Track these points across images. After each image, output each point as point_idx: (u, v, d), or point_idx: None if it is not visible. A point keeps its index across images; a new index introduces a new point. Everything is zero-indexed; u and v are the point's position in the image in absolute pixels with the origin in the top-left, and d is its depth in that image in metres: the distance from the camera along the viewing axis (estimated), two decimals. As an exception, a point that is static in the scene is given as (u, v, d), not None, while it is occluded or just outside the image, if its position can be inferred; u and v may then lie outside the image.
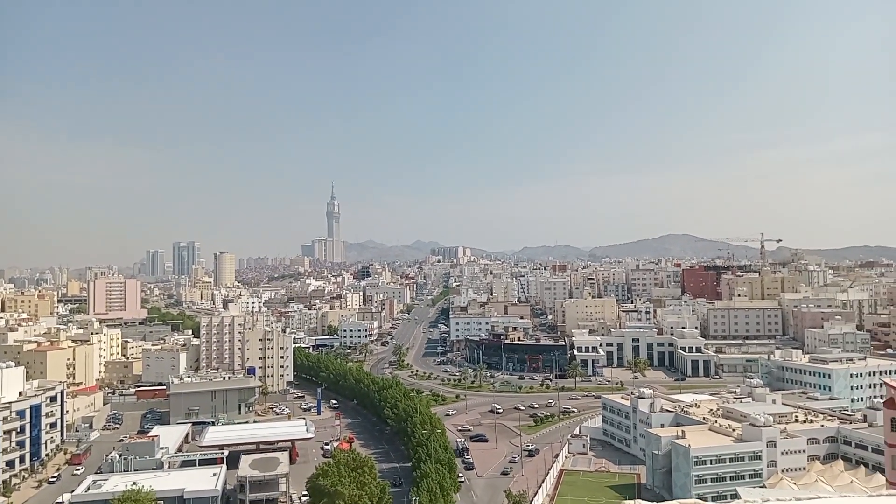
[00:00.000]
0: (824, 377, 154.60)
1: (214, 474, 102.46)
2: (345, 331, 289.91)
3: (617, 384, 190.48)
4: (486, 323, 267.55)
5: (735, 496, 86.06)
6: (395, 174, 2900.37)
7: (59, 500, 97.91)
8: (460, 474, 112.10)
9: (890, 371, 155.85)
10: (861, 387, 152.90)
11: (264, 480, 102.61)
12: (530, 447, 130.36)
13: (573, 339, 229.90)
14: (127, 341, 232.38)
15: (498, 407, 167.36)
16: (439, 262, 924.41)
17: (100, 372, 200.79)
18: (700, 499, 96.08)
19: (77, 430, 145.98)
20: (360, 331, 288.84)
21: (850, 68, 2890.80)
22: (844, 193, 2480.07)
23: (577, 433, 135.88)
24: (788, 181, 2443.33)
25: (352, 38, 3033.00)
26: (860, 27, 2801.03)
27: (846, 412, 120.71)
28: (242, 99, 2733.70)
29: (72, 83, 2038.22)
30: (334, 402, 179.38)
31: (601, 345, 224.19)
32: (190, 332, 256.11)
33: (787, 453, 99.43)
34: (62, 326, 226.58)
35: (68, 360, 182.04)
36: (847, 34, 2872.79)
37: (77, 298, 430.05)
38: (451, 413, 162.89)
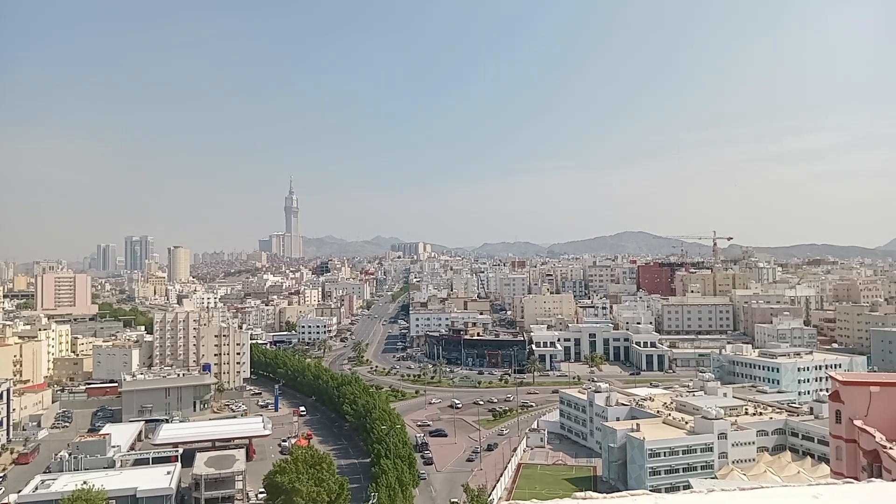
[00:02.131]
0: (773, 371, 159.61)
1: (168, 472, 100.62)
2: (303, 327, 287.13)
3: (574, 378, 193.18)
4: (446, 318, 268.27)
5: (687, 487, 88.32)
6: (355, 169, 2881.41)
7: (6, 500, 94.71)
8: (420, 469, 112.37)
9: (835, 365, 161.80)
10: (808, 380, 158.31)
11: (220, 478, 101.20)
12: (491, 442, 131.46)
13: (532, 334, 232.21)
14: (77, 338, 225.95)
15: (457, 402, 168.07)
16: (399, 257, 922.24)
17: (48, 369, 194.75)
18: (653, 490, 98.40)
19: (24, 429, 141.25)
20: (318, 327, 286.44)
21: (799, 69, 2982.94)
22: (793, 192, 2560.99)
23: (535, 427, 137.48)
24: (739, 180, 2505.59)
25: (313, 30, 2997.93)
26: (810, 30, 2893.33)
27: (794, 405, 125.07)
28: (198, 89, 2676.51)
29: (16, 70, 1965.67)
30: (302, 407, 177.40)
31: (559, 340, 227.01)
32: (143, 328, 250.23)
33: (737, 445, 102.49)
34: (8, 322, 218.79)
35: (14, 356, 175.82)
36: (798, 37, 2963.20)
37: (24, 293, 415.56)
38: (410, 410, 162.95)
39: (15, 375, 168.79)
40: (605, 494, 4.23)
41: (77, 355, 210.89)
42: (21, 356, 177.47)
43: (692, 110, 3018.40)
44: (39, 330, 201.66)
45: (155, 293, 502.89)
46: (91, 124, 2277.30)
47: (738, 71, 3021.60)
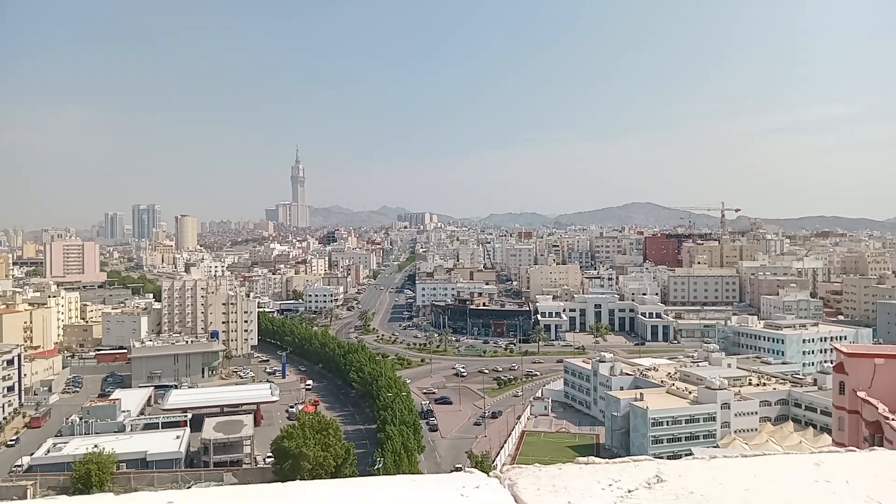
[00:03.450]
0: (778, 342, 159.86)
1: (178, 437, 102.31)
2: (310, 296, 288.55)
3: (579, 348, 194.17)
4: (452, 288, 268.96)
5: (690, 456, 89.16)
6: (362, 139, 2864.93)
7: (19, 462, 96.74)
8: (424, 436, 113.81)
9: (840, 337, 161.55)
10: (812, 352, 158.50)
11: (229, 442, 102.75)
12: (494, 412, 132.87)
13: (537, 304, 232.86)
14: (86, 305, 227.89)
15: (462, 370, 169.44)
16: (406, 227, 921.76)
17: (58, 335, 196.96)
18: (655, 458, 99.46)
19: (36, 394, 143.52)
20: (325, 296, 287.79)
21: (814, 40, 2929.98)
22: (803, 164, 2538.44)
23: (540, 396, 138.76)
24: (749, 151, 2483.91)
25: (318, 1, 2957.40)
26: (823, 0, 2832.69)
27: (797, 376, 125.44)
28: (205, 59, 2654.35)
29: (21, 40, 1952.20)
30: (310, 381, 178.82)
31: (564, 310, 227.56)
32: (151, 296, 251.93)
33: (740, 415, 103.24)
34: (18, 289, 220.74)
35: (25, 323, 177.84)
36: (812, 6, 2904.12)
37: (33, 261, 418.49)
38: (415, 378, 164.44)
39: (25, 341, 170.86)
40: (607, 460, 4.26)
41: (86, 322, 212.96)
42: (31, 323, 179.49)
43: (703, 80, 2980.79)
44: (49, 297, 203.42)
45: (163, 261, 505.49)
46: (100, 92, 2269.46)
47: (752, 40, 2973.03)
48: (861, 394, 27.90)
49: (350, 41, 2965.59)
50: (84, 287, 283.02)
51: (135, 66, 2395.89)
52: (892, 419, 24.63)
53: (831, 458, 4.39)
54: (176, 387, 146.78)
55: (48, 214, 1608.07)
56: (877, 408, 25.74)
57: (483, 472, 4.13)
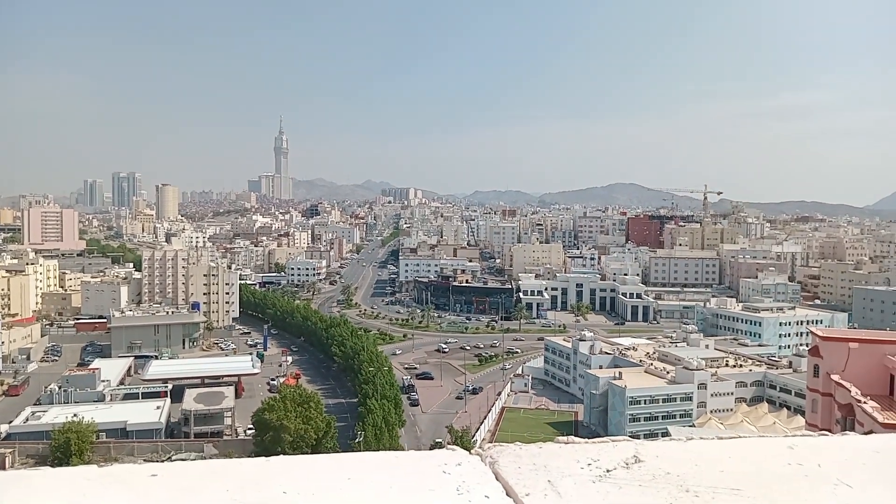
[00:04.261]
0: (755, 325, 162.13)
1: (158, 407, 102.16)
2: (292, 269, 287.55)
3: (560, 327, 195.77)
4: (436, 265, 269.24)
5: (666, 434, 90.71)
6: (347, 111, 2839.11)
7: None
8: (405, 410, 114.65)
9: (816, 321, 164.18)
10: (789, 335, 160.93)
11: (209, 414, 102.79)
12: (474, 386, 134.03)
13: (520, 282, 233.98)
14: (65, 273, 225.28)
15: (444, 346, 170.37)
16: (390, 202, 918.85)
17: (36, 303, 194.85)
18: (632, 436, 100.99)
19: (14, 362, 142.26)
20: (308, 269, 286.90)
21: (798, 27, 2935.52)
22: (785, 149, 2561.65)
23: (520, 373, 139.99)
24: (733, 135, 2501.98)
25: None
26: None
27: (773, 358, 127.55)
28: (188, 26, 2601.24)
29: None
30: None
31: (546, 289, 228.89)
32: (131, 265, 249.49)
33: (716, 395, 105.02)
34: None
35: (2, 290, 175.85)
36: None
37: (10, 227, 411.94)
38: (398, 352, 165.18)
39: (3, 309, 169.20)
40: (586, 440, 4.33)
41: (65, 290, 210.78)
42: (9, 290, 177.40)
43: (688, 63, 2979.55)
44: (27, 264, 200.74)
45: (143, 231, 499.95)
46: (79, 57, 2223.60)
47: (737, 24, 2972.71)
48: (835, 377, 28.47)
49: (339, 13, 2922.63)
50: (63, 255, 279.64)
51: (117, 32, 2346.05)
52: (864, 402, 25.22)
53: (804, 442, 4.49)
54: (156, 357, 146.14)
55: (26, 180, 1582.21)
56: (849, 391, 26.31)
57: (464, 449, 4.18)
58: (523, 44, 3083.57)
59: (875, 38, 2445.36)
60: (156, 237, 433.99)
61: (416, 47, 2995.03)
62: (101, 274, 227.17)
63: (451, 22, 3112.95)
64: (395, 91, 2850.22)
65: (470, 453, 4.06)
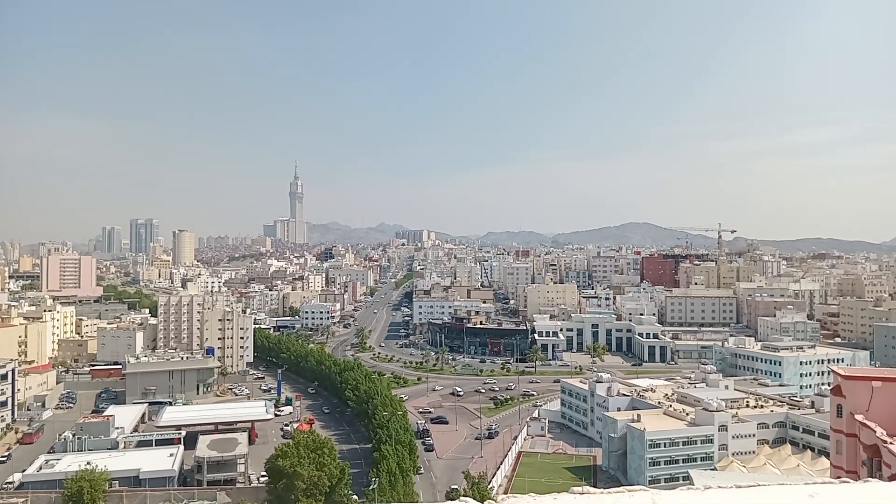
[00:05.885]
0: (775, 364, 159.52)
1: (171, 454, 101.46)
2: (307, 312, 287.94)
3: (576, 368, 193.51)
4: (449, 307, 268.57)
5: (687, 478, 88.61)
6: (361, 155, 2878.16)
7: (10, 479, 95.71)
8: (420, 456, 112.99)
9: (837, 359, 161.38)
10: (810, 374, 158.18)
11: (222, 461, 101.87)
12: (490, 428, 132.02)
13: (534, 323, 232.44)
14: (81, 319, 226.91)
15: (459, 389, 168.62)
16: (403, 245, 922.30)
17: (53, 350, 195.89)
18: (653, 481, 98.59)
19: (29, 409, 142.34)
20: (322, 312, 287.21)
21: (811, 63, 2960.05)
22: (800, 186, 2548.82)
23: (536, 416, 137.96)
24: (746, 172, 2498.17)
25: (317, 15, 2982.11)
26: (822, 22, 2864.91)
27: (795, 398, 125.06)
28: (204, 74, 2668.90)
29: (18, 49, 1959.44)
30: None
31: (561, 330, 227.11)
32: (147, 311, 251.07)
33: (737, 437, 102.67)
34: (13, 303, 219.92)
35: (20, 337, 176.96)
36: (807, 30, 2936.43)
37: (29, 275, 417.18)
38: (405, 398, 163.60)
39: (20, 356, 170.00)
40: (601, 490, 4.26)
41: (81, 337, 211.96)
42: (26, 337, 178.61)
43: (700, 102, 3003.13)
44: (44, 311, 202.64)
45: (159, 276, 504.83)
46: (98, 106, 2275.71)
47: (747, 63, 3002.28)
48: (859, 417, 27.82)
49: (351, 58, 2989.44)
50: (80, 301, 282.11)
51: (135, 79, 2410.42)
52: (890, 443, 24.56)
53: (825, 490, 4.41)
54: (170, 403, 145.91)
55: (45, 228, 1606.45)
56: (874, 431, 25.65)
57: (480, 498, 4.14)
58: (535, 84, 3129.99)
59: (887, 73, 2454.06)
60: (172, 283, 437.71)
61: (429, 90, 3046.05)
62: (118, 320, 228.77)
63: (463, 64, 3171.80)
64: (407, 135, 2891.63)
65: (483, 504, 4.02)
